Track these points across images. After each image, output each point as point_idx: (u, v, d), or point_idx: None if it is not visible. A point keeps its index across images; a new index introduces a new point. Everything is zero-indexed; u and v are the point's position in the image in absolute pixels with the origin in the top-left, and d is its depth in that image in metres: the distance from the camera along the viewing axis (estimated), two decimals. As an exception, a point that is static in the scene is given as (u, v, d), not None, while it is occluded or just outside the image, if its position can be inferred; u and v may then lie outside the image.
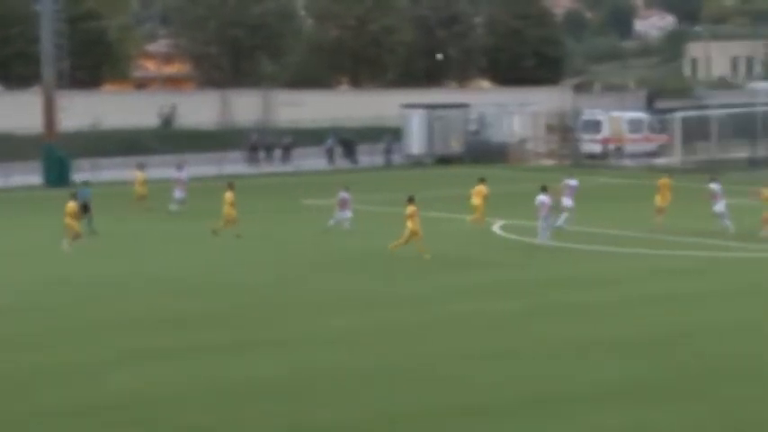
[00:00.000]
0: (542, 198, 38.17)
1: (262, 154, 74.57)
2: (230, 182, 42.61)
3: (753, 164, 64.95)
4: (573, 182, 42.67)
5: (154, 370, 22.76)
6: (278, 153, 74.82)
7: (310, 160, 72.79)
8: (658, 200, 42.38)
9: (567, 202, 41.88)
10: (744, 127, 72.74)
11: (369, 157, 73.96)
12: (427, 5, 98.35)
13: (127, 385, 21.64)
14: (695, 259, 35.91)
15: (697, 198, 43.71)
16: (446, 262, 35.29)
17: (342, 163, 74.35)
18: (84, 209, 42.92)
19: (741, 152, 69.06)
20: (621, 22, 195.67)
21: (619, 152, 73.96)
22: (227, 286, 32.10)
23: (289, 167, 72.29)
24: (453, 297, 30.07)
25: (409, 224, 35.83)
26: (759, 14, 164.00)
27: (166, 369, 22.79)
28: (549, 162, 74.54)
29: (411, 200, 36.19)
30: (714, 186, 40.71)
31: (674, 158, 70.19)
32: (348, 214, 41.60)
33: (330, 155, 74.31)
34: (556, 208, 39.72)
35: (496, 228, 42.65)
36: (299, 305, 29.28)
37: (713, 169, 59.18)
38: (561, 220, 40.91)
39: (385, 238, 40.35)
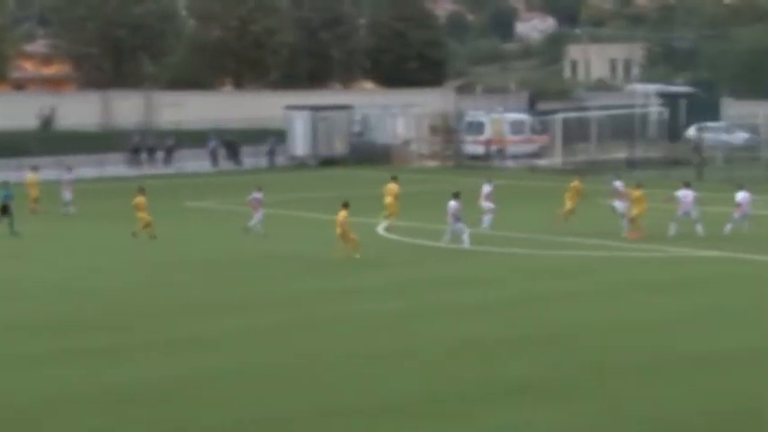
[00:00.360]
0: (450, 204, 38.34)
1: (144, 156, 73.82)
2: (141, 186, 42.82)
3: (631, 164, 66.00)
4: (487, 188, 43.12)
5: (35, 374, 22.37)
6: (160, 155, 74.11)
7: (193, 162, 72.27)
8: (568, 201, 43.13)
9: (487, 205, 42.47)
10: (622, 128, 74.07)
11: (252, 158, 73.65)
12: (310, 7, 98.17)
13: (3, 388, 21.25)
14: (578, 259, 36.39)
15: (583, 198, 44.35)
16: (330, 263, 35.26)
17: (225, 165, 73.94)
18: (4, 210, 42.01)
19: (620, 153, 70.16)
20: (503, 24, 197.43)
21: (501, 153, 74.66)
22: (110, 289, 31.69)
23: (171, 169, 71.66)
24: (337, 297, 30.04)
25: (338, 229, 35.79)
26: (636, 17, 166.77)
27: (48, 373, 22.40)
28: (432, 163, 74.98)
29: (345, 205, 36.12)
30: (618, 184, 41.56)
31: (555, 159, 71.12)
32: (257, 215, 41.31)
33: (213, 156, 73.86)
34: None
35: (380, 229, 42.80)
36: (184, 307, 29.01)
37: (594, 170, 60.06)
38: (486, 222, 41.74)
39: (270, 239, 40.20)
